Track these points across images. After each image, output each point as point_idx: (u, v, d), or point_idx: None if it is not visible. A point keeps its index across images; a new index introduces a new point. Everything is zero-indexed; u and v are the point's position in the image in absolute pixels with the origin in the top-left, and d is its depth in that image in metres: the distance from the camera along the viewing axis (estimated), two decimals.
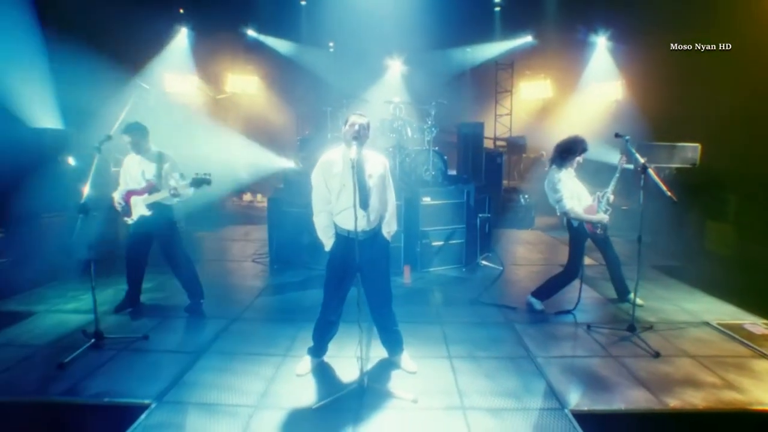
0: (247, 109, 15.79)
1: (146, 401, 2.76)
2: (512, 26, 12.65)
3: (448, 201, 5.53)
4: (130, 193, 3.97)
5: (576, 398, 2.87)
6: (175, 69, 13.14)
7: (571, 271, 4.19)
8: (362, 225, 2.82)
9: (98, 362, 3.23)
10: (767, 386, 3.03)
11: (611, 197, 4.06)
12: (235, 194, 12.01)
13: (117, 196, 3.98)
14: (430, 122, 6.31)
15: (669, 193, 3.40)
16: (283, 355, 3.37)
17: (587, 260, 5.88)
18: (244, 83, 16.06)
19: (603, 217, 4.05)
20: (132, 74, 11.16)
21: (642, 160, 3.62)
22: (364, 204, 2.83)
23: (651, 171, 3.56)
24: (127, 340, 3.56)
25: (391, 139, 6.23)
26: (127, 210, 3.98)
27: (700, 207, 9.02)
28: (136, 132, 3.81)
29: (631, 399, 2.88)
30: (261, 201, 13.03)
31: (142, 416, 2.64)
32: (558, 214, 4.20)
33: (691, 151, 10.63)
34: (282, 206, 5.56)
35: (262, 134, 15.31)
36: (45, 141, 8.68)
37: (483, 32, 12.78)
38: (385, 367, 3.20)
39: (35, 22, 8.32)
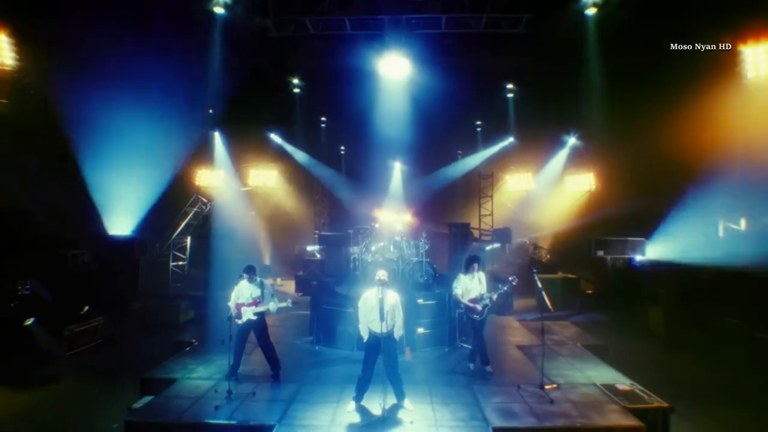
0: (270, 200, 19.29)
1: (272, 423, 5.74)
2: (492, 139, 16.63)
3: (435, 301, 8.67)
4: (240, 305, 7.13)
5: (496, 421, 5.83)
6: (209, 166, 16.80)
7: (477, 335, 7.32)
8: (383, 329, 5.96)
9: (234, 406, 6.20)
10: (605, 417, 5.98)
11: (490, 300, 7.21)
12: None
13: (232, 306, 7.13)
14: (422, 240, 9.64)
15: (549, 305, 6.59)
16: (337, 402, 6.33)
17: (538, 341, 8.92)
18: (265, 177, 19.58)
19: (476, 308, 7.16)
20: (186, 184, 14.79)
21: (540, 285, 6.84)
22: (382, 317, 5.99)
23: (544, 294, 6.75)
24: (243, 395, 6.54)
25: (395, 253, 9.53)
26: (239, 315, 7.11)
27: (642, 294, 12.19)
28: (251, 271, 7.05)
29: (527, 422, 5.83)
30: (281, 284, 16.11)
31: (273, 430, 5.62)
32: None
33: (640, 244, 13.90)
34: (322, 304, 8.71)
35: (282, 224, 18.76)
36: (131, 246, 12.12)
37: (468, 147, 16.80)
38: (395, 407, 6.15)
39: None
